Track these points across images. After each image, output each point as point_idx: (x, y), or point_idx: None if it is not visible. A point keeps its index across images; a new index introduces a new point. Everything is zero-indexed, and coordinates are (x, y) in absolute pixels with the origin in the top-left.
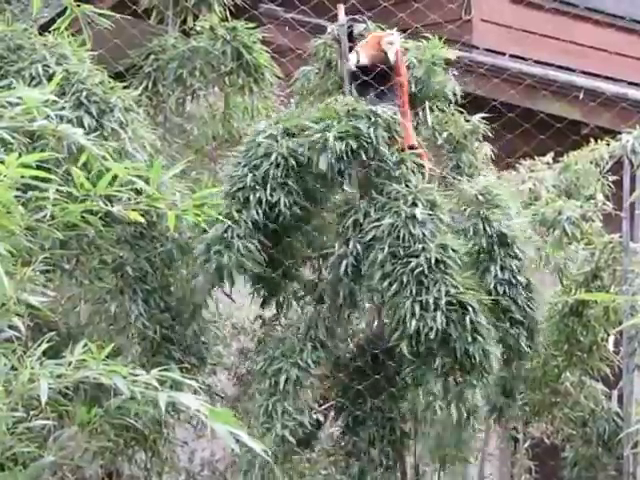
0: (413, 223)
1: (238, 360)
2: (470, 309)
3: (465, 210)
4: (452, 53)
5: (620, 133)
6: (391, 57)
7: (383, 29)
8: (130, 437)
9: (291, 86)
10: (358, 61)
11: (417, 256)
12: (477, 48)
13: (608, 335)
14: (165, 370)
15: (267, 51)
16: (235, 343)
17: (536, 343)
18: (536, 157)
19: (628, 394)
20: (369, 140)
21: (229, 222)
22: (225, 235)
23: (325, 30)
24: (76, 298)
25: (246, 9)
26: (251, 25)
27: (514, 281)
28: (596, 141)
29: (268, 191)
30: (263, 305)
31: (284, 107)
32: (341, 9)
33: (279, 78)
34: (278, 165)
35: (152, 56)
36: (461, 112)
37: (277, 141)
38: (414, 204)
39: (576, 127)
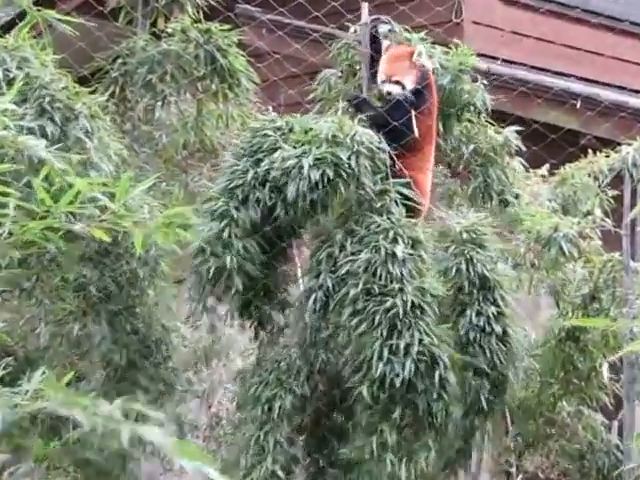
0: (392, 261)
1: (210, 388)
2: (441, 363)
3: (449, 248)
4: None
5: (620, 144)
6: (430, 65)
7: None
8: (92, 472)
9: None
10: (403, 88)
11: (393, 296)
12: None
13: (606, 361)
14: (131, 398)
15: (243, 55)
16: (209, 369)
17: (501, 399)
18: (530, 170)
19: (629, 425)
20: (349, 170)
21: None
22: (223, 234)
23: (306, 33)
24: (35, 320)
25: (221, 10)
26: (226, 27)
27: (488, 329)
28: (594, 153)
29: (267, 192)
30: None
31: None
32: (365, 7)
33: (256, 84)
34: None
35: (120, 60)
36: (492, 124)
37: (285, 138)
38: (395, 240)
39: (573, 138)
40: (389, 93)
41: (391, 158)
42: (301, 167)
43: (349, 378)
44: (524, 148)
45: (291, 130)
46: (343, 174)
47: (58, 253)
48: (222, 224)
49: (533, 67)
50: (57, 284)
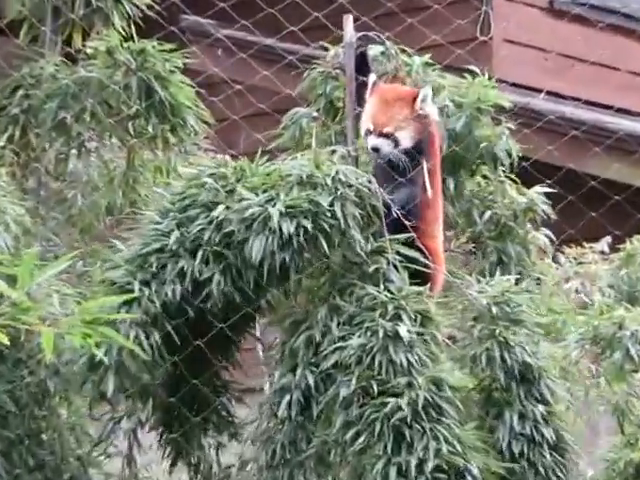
0: (395, 345)
1: None
2: (469, 479)
3: (474, 327)
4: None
5: None
6: (434, 113)
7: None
8: None
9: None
10: (397, 145)
11: (398, 395)
12: (500, 82)
13: None
14: None
15: (191, 85)
16: None
17: None
18: (585, 243)
19: None
20: (332, 220)
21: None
22: (117, 316)
23: (277, 55)
24: None
25: (161, 24)
26: (168, 47)
27: (537, 437)
28: None
29: (198, 261)
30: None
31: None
32: (349, 21)
33: (208, 125)
34: (220, 225)
35: (21, 91)
36: (515, 181)
37: (229, 190)
38: (397, 317)
39: None
40: (375, 150)
41: (388, 207)
42: (268, 217)
43: None
44: (553, 215)
45: (240, 180)
46: (324, 226)
47: None
48: (119, 300)
49: (589, 102)
50: None
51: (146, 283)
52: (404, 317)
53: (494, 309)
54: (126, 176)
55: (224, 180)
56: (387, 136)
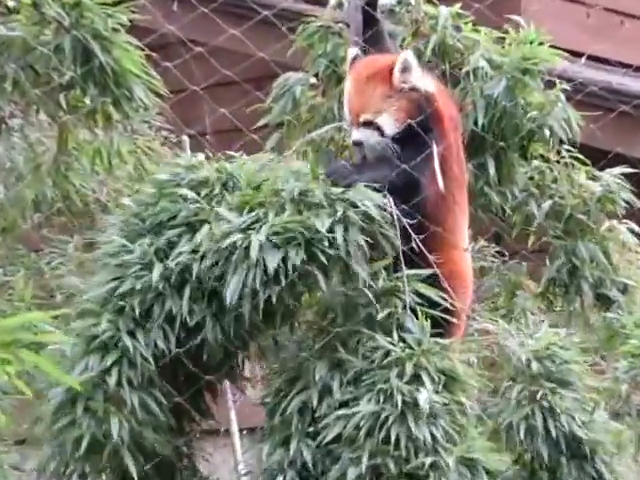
0: (415, 415)
1: None
2: None
3: (511, 387)
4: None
5: None
6: (425, 87)
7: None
8: None
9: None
10: (381, 133)
11: (422, 478)
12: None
13: None
14: None
15: (141, 47)
16: None
17: None
18: None
19: None
20: (330, 251)
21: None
22: (108, 379)
23: (250, 9)
24: None
25: None
26: None
27: None
28: None
29: (185, 302)
30: None
31: (172, 152)
32: None
33: (161, 98)
34: (205, 254)
35: None
36: (584, 163)
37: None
38: (417, 378)
39: None
40: (358, 144)
41: (405, 233)
42: (248, 247)
43: None
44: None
45: (225, 185)
46: (320, 258)
47: None
48: (108, 361)
49: None
50: None
51: (131, 334)
52: (425, 379)
53: (534, 366)
54: (57, 162)
55: (206, 187)
56: (368, 125)
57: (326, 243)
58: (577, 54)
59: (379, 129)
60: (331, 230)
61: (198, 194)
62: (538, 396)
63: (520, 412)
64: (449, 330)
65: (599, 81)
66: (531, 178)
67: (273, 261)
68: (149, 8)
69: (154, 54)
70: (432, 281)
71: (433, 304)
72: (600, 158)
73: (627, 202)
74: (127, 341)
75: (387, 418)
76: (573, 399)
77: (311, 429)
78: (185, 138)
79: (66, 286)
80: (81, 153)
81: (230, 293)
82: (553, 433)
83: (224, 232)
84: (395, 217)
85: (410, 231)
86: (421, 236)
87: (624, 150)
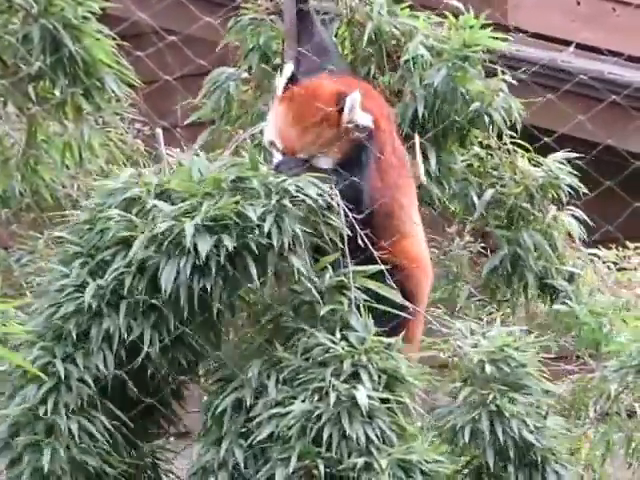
0: (351, 415)
1: None
2: None
3: (460, 390)
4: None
5: None
6: (364, 122)
7: None
8: None
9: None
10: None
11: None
12: (522, 31)
13: None
14: None
15: (112, 36)
16: None
17: None
18: (629, 243)
19: None
20: (263, 240)
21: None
22: (44, 406)
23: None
24: None
25: None
26: None
27: None
28: None
29: (122, 317)
30: None
31: (145, 145)
32: None
33: (133, 88)
34: (143, 265)
35: None
36: (526, 149)
37: (149, 216)
38: (356, 376)
39: None
40: (279, 170)
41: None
42: (180, 234)
43: None
44: (585, 190)
45: (162, 194)
46: (251, 246)
47: None
48: (41, 391)
49: (633, 59)
50: None
51: (69, 359)
52: (364, 377)
53: (488, 368)
54: (26, 155)
55: (139, 204)
56: (299, 159)
57: (257, 232)
58: (567, 42)
59: (310, 165)
60: (263, 218)
61: (130, 212)
62: (489, 400)
63: (468, 416)
64: (406, 321)
65: (589, 70)
66: (470, 165)
67: (205, 247)
68: None
69: (126, 43)
70: (383, 276)
71: (383, 298)
72: (588, 150)
73: (572, 187)
74: (60, 367)
75: (320, 417)
76: (527, 403)
77: (244, 429)
78: (159, 131)
79: (36, 283)
80: (51, 146)
81: (164, 280)
82: (501, 438)
83: (155, 222)
84: (342, 208)
85: (356, 225)
86: (369, 230)
87: (614, 142)
